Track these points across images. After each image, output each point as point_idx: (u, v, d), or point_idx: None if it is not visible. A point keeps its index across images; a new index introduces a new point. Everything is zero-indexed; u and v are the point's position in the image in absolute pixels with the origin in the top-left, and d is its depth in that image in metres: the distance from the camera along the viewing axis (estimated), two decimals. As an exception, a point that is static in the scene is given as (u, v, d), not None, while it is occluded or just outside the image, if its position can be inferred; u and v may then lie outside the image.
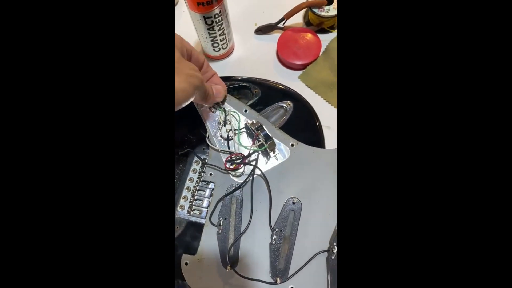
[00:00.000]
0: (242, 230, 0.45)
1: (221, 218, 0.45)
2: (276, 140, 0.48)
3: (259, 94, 0.52)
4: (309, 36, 0.59)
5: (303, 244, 0.44)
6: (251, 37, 0.62)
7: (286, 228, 0.45)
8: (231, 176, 0.47)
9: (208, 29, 0.52)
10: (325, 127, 0.53)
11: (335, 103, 0.56)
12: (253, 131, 0.45)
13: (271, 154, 0.48)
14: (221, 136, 0.47)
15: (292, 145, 0.48)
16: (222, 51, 0.58)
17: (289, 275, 0.43)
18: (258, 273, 0.43)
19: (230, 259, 0.44)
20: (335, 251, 0.43)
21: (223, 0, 0.49)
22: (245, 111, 0.49)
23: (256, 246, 0.44)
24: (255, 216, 0.45)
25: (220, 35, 0.54)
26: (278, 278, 0.43)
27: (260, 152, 0.47)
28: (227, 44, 0.57)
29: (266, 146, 0.44)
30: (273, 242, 0.44)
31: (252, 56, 0.61)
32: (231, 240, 0.45)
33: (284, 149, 0.48)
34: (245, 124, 0.47)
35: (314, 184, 0.47)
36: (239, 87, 0.53)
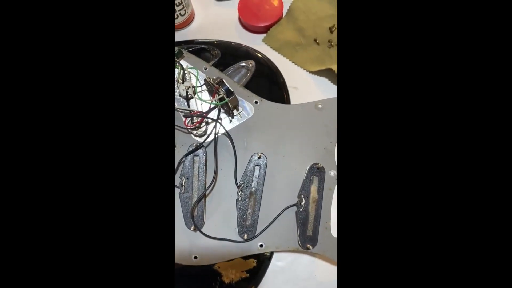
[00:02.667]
0: (205, 188, 0.43)
1: (183, 177, 0.43)
2: (239, 98, 0.46)
3: (218, 55, 0.50)
4: (270, -3, 0.57)
5: (271, 199, 0.43)
6: (211, 4, 0.60)
7: (252, 184, 0.43)
8: (192, 136, 0.45)
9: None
10: (292, 88, 0.52)
11: (302, 63, 0.55)
12: (213, 85, 0.43)
13: (235, 112, 0.46)
14: (179, 95, 0.45)
15: (256, 102, 0.47)
16: (181, 18, 0.56)
17: (258, 232, 0.41)
18: (225, 232, 0.42)
19: (195, 219, 0.42)
20: (303, 203, 0.42)
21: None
22: (205, 68, 0.48)
23: (222, 204, 0.43)
24: (220, 175, 0.43)
25: (178, 2, 0.52)
26: (245, 235, 0.41)
27: (221, 106, 0.45)
28: (185, 11, 0.56)
29: (227, 100, 0.43)
30: (239, 199, 0.42)
31: (214, 23, 0.59)
32: (195, 198, 0.43)
33: (248, 107, 0.46)
34: (205, 80, 0.46)
35: (279, 140, 0.45)
36: (198, 50, 0.51)
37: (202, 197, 0.42)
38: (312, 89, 0.53)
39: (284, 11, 0.58)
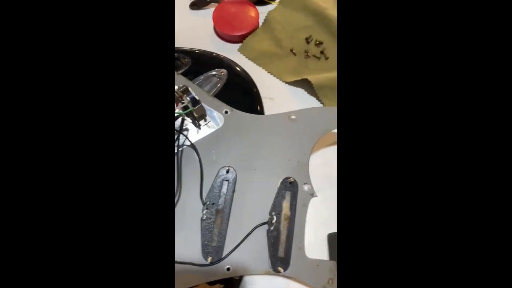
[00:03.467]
0: None
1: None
2: (208, 108, 0.43)
3: (189, 63, 0.48)
4: (246, 7, 0.56)
5: (240, 218, 0.39)
6: (186, 13, 0.58)
7: (219, 201, 0.39)
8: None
9: None
10: (267, 99, 0.49)
11: (278, 73, 0.53)
12: (176, 93, 0.40)
13: (202, 122, 0.43)
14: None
15: (226, 112, 0.44)
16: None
17: (224, 254, 0.37)
18: (187, 254, 0.37)
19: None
20: (274, 221, 0.38)
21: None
22: None
23: (185, 223, 0.39)
24: (183, 190, 0.40)
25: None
26: (210, 258, 0.37)
27: (187, 116, 0.42)
28: (157, 19, 0.53)
29: (192, 109, 0.40)
30: (204, 217, 0.38)
31: (188, 32, 0.57)
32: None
33: (218, 117, 0.43)
34: None
35: (250, 152, 0.42)
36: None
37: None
38: (288, 100, 0.51)
39: (261, 22, 0.56)
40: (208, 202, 0.39)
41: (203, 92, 0.44)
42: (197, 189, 0.40)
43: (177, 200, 0.39)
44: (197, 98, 0.40)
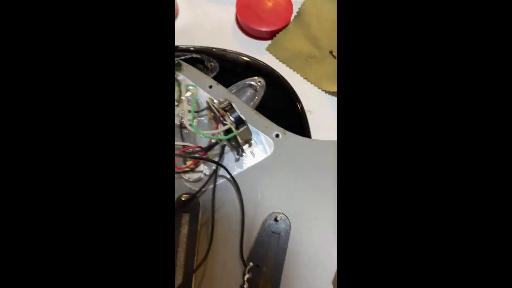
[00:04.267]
0: (196, 265, 0.30)
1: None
2: (253, 129, 0.34)
3: (216, 68, 0.38)
4: (276, -5, 0.46)
5: (295, 286, 0.31)
6: (204, 1, 0.47)
7: (266, 262, 0.31)
8: (184, 182, 0.32)
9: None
10: (305, 111, 0.40)
11: (316, 81, 0.44)
12: (217, 112, 0.30)
13: (246, 148, 0.34)
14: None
15: (277, 135, 0.35)
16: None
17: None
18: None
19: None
20: None
21: None
22: (210, 86, 0.35)
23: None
24: (218, 242, 0.31)
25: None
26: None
27: (225, 142, 0.32)
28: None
29: (236, 133, 0.30)
30: (246, 286, 0.30)
31: (204, 23, 0.46)
32: (178, 280, 0.30)
33: (265, 142, 0.34)
34: (207, 102, 0.33)
35: (309, 193, 0.33)
36: (188, 61, 0.38)
37: (190, 274, 0.29)
38: (329, 113, 0.42)
39: (292, 14, 0.46)
40: (251, 265, 0.30)
41: (248, 108, 0.35)
42: (236, 243, 0.31)
43: (207, 254, 0.30)
44: (243, 118, 0.31)
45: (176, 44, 0.40)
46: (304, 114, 0.39)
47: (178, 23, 0.46)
